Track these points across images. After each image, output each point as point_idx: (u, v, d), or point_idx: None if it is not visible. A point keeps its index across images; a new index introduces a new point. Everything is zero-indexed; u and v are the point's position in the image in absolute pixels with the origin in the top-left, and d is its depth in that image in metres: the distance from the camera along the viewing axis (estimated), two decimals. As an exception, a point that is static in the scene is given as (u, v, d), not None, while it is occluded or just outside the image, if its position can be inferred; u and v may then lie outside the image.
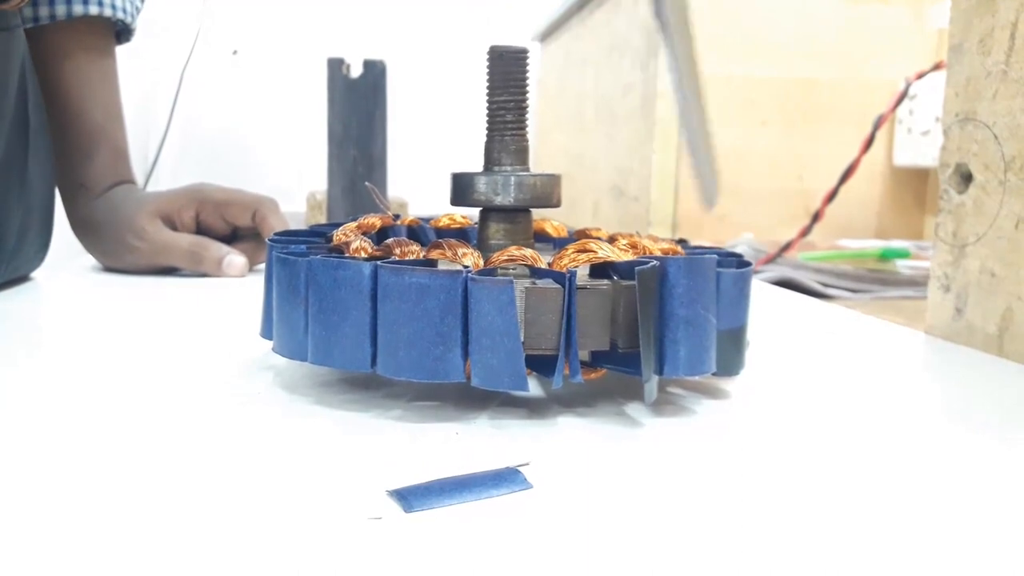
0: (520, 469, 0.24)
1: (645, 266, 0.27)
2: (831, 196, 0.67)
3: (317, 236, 0.38)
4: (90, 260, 0.70)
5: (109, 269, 0.67)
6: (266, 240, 0.36)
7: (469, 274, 0.27)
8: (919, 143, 0.96)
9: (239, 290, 0.59)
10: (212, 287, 0.60)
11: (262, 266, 0.68)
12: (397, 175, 1.20)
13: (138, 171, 1.77)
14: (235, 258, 0.64)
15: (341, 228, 0.37)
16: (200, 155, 1.70)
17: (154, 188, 1.84)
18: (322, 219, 1.20)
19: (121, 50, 0.71)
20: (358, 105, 1.07)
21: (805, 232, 0.70)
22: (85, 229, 0.67)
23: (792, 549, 0.20)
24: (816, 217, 0.68)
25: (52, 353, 0.39)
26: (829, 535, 0.21)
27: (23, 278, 0.61)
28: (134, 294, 0.57)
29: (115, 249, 0.65)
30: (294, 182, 1.57)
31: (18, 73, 0.56)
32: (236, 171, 1.67)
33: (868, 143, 0.65)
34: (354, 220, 0.39)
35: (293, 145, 1.70)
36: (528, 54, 0.35)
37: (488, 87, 0.35)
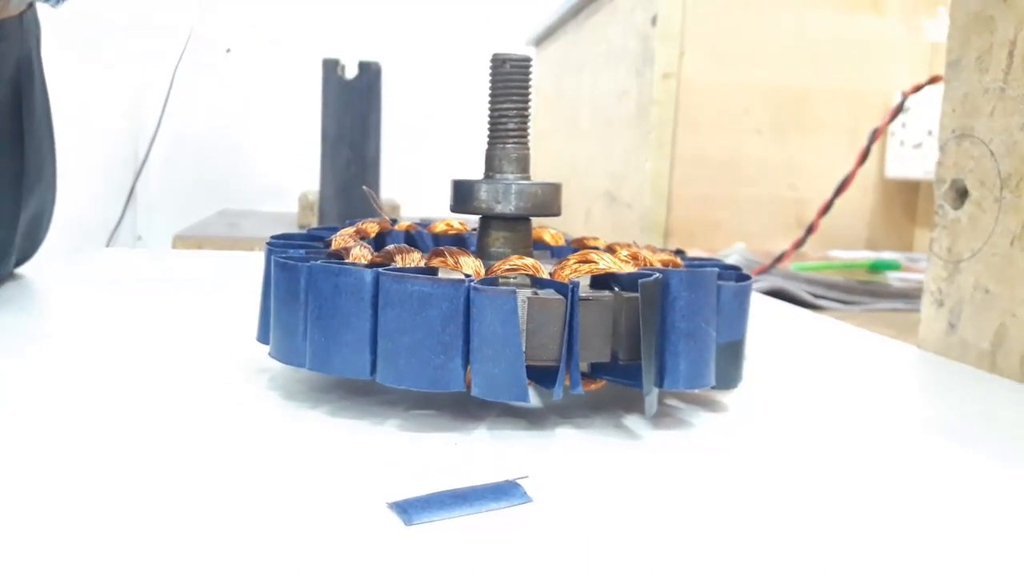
0: (519, 482, 0.24)
1: (648, 279, 0.27)
2: (826, 209, 0.67)
3: (314, 240, 0.38)
4: (85, 260, 0.69)
5: None
6: None
7: (471, 283, 0.27)
8: (911, 156, 0.96)
9: (236, 293, 0.58)
10: (208, 289, 0.60)
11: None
12: (390, 177, 1.20)
13: (128, 169, 1.77)
14: None
15: (339, 233, 0.36)
16: (191, 154, 1.69)
17: (144, 187, 1.83)
18: (314, 220, 1.19)
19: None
20: (352, 106, 1.07)
21: (799, 244, 0.71)
22: None
23: (789, 563, 0.20)
24: (810, 229, 0.68)
25: (44, 355, 0.39)
26: (826, 550, 0.21)
27: (11, 275, 0.60)
28: (127, 293, 0.57)
29: None
30: (286, 183, 1.56)
31: (10, 77, 0.55)
32: (227, 170, 1.66)
33: (864, 156, 0.65)
34: (352, 225, 0.39)
35: (285, 146, 1.69)
36: (531, 62, 0.35)
37: (490, 95, 0.35)
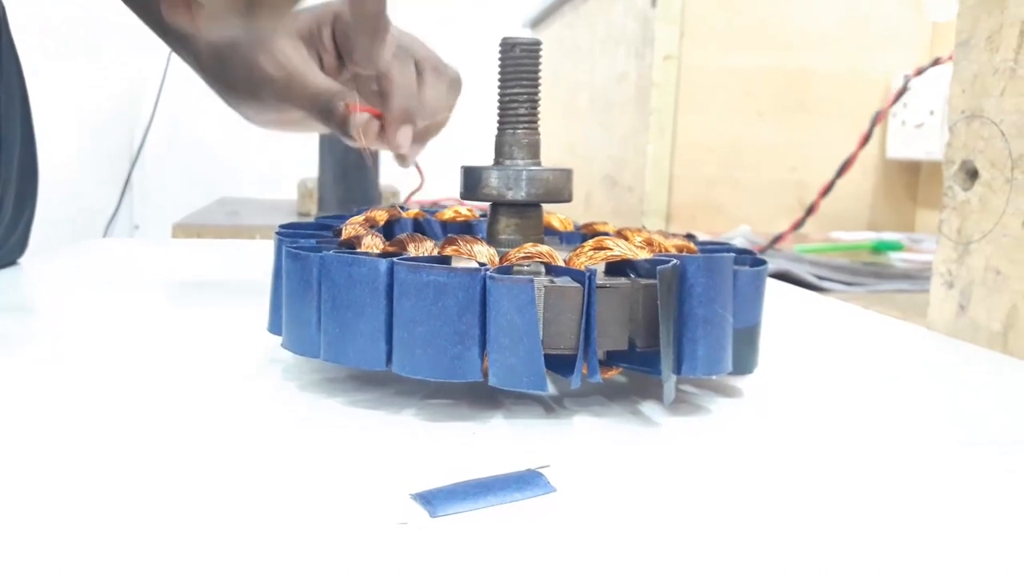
0: (541, 471, 0.24)
1: (666, 265, 0.27)
2: (827, 190, 0.67)
3: (324, 229, 0.37)
4: (85, 251, 0.69)
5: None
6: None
7: (487, 272, 0.27)
8: (912, 136, 0.96)
9: (241, 283, 0.58)
10: (213, 279, 0.59)
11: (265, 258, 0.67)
12: (389, 162, 1.19)
13: (124, 158, 1.75)
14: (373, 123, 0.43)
15: (349, 222, 0.36)
16: (187, 142, 1.68)
17: (140, 175, 1.82)
18: (313, 207, 1.19)
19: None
20: (350, 92, 1.07)
21: (798, 224, 0.71)
22: (212, 63, 0.48)
23: (811, 549, 0.20)
24: (811, 210, 0.68)
25: (50, 351, 0.38)
26: (848, 534, 0.20)
27: (8, 264, 0.60)
28: (130, 285, 0.56)
29: (239, 87, 0.48)
30: (284, 170, 1.55)
31: None
32: (224, 158, 1.65)
33: (866, 138, 0.65)
34: (360, 213, 0.39)
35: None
36: (540, 46, 0.35)
37: (499, 79, 0.35)
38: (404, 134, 0.40)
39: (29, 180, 0.59)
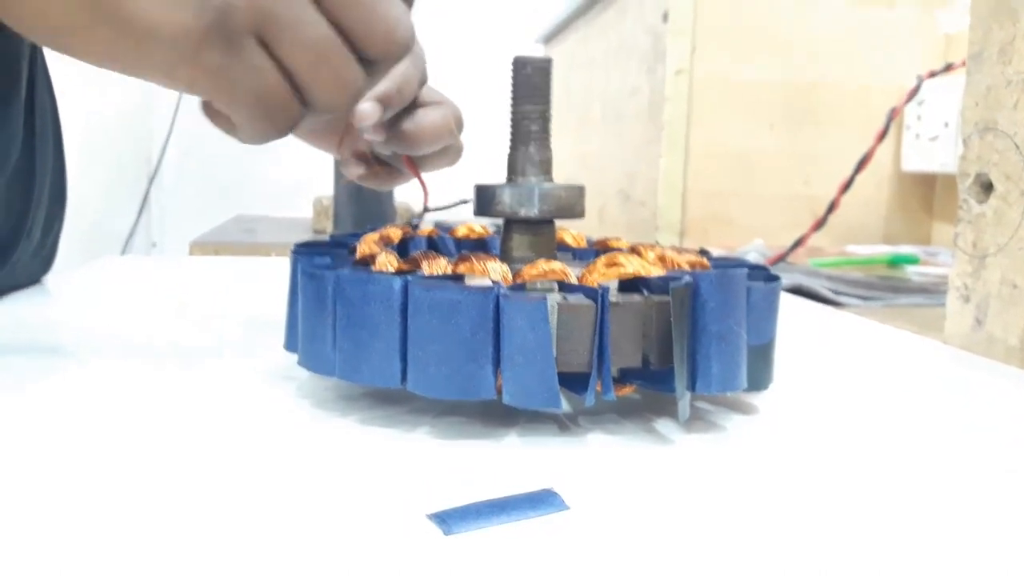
0: (557, 491, 0.24)
1: (679, 282, 0.27)
2: (846, 187, 0.67)
3: (339, 247, 0.37)
4: (108, 267, 0.70)
5: None
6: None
7: (501, 290, 0.27)
8: (927, 149, 0.95)
9: (258, 300, 0.58)
10: (230, 296, 0.60)
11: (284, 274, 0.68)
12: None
13: (141, 173, 1.77)
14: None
15: (363, 240, 0.36)
16: (204, 158, 1.69)
17: (157, 192, 1.84)
18: (328, 224, 1.20)
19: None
20: (364, 109, 1.07)
21: (819, 225, 0.71)
22: None
23: (828, 565, 0.20)
24: (831, 208, 0.68)
25: (70, 360, 0.39)
26: (864, 550, 0.20)
27: (33, 282, 0.61)
28: (148, 301, 0.57)
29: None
30: (299, 187, 1.56)
31: (25, 74, 0.55)
32: (241, 176, 1.66)
33: (882, 134, 0.65)
34: (373, 230, 0.39)
35: (298, 149, 1.69)
36: (551, 65, 0.35)
37: (512, 97, 0.35)
38: (368, 107, 0.37)
39: (58, 203, 0.61)
